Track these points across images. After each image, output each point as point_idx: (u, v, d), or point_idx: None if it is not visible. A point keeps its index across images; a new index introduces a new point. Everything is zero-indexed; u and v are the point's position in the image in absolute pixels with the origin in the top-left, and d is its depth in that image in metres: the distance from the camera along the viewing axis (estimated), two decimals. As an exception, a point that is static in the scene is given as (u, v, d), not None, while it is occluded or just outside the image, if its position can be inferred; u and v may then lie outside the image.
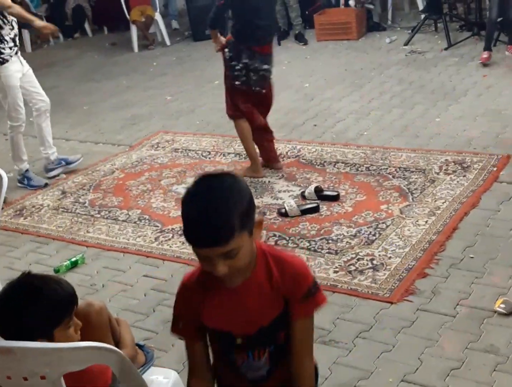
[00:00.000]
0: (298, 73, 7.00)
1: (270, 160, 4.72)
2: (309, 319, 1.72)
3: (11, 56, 4.64)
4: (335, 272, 3.35)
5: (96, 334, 2.14)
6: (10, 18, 4.63)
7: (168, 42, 9.20)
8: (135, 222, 4.16)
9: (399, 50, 7.29)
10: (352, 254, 3.49)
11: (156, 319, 3.14)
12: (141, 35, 9.21)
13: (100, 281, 3.51)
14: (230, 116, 4.63)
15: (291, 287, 1.67)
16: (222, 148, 5.23)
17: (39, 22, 4.84)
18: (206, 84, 7.08)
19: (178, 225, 4.02)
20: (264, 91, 4.47)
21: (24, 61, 4.83)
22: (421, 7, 8.03)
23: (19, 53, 4.77)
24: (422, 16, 7.62)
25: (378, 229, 3.70)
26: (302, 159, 4.80)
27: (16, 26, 4.72)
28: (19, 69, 4.73)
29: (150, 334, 3.00)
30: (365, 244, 3.57)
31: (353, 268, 3.37)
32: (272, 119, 5.68)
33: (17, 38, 4.73)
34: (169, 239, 3.89)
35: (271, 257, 1.70)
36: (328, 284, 3.25)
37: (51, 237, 4.09)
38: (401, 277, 3.25)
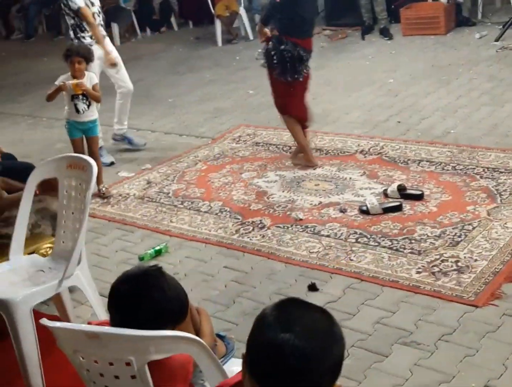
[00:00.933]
0: (383, 68, 6.88)
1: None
2: None
3: (91, 44, 5.07)
4: (418, 272, 3.28)
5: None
6: (92, 10, 5.15)
7: (251, 37, 9.25)
8: (216, 214, 4.21)
9: (489, 46, 7.05)
10: (436, 255, 3.41)
11: (236, 310, 3.17)
12: (225, 29, 9.30)
13: (182, 270, 3.58)
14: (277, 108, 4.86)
15: None
16: (303, 143, 5.21)
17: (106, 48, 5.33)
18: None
19: (259, 218, 4.05)
20: (301, 79, 4.58)
21: (109, 48, 5.39)
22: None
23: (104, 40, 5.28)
24: (515, 11, 7.34)
25: (464, 231, 3.60)
26: (385, 156, 4.72)
27: (98, 18, 5.21)
28: (100, 56, 5.20)
29: (230, 325, 3.04)
30: (450, 245, 3.48)
31: (437, 269, 3.29)
32: (354, 115, 5.64)
33: (101, 28, 5.25)
34: (250, 232, 3.92)
35: None
36: (411, 285, 3.19)
37: (136, 225, 4.21)
38: (487, 280, 3.15)
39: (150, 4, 10.62)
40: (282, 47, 4.45)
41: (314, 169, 4.67)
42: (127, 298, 1.90)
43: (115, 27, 10.09)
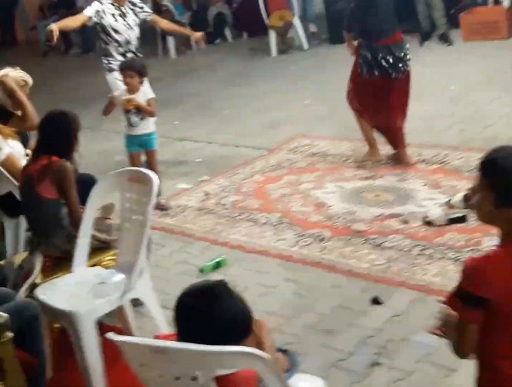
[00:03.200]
0: (443, 75, 6.74)
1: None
2: None
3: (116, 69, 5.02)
4: (486, 285, 3.16)
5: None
6: (116, 36, 5.11)
7: (305, 46, 9.23)
8: (275, 225, 4.18)
9: (554, 50, 6.82)
10: (505, 267, 3.28)
11: (297, 324, 3.12)
12: (279, 39, 9.30)
13: (242, 282, 3.54)
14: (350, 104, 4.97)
15: None
16: (361, 153, 5.13)
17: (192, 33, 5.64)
18: (344, 88, 6.98)
19: (318, 230, 3.99)
20: (393, 76, 4.63)
21: None
22: None
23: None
24: None
25: (534, 242, 3.45)
26: (448, 165, 4.60)
27: (126, 46, 5.15)
28: None
29: (292, 338, 2.99)
30: (519, 257, 3.34)
31: (506, 282, 3.16)
32: (415, 123, 5.52)
33: (128, 56, 5.13)
34: (309, 244, 3.86)
35: None
36: (479, 298, 3.07)
37: (195, 237, 4.21)
38: (560, 294, 3.00)
39: (204, 17, 10.74)
40: (373, 55, 4.56)
41: (373, 179, 4.57)
42: (192, 311, 1.88)
43: (170, 41, 10.24)
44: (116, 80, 5.06)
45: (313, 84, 7.49)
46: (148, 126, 4.63)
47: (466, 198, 3.94)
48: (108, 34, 5.13)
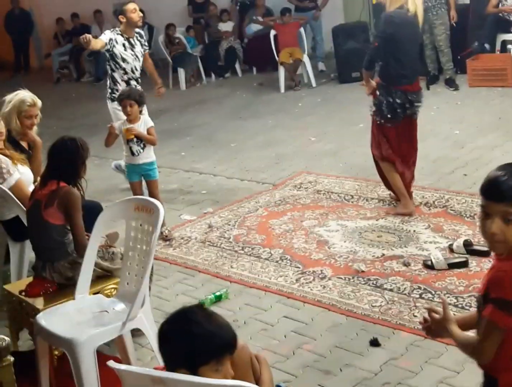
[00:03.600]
0: (448, 119, 6.81)
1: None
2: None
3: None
4: (484, 332, 3.17)
5: (238, 371, 2.18)
6: (123, 64, 5.42)
7: (314, 84, 9.35)
8: (277, 261, 4.20)
9: (559, 99, 6.90)
10: (503, 314, 3.29)
11: (295, 362, 3.13)
12: (288, 76, 9.43)
13: (242, 317, 3.57)
14: (375, 156, 4.82)
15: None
16: (365, 193, 5.19)
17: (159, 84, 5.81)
18: (350, 127, 7.10)
19: (319, 268, 4.02)
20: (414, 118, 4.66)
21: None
22: None
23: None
24: None
25: (533, 290, 3.47)
26: (451, 210, 4.64)
27: (131, 73, 5.46)
28: None
29: (289, 377, 3.00)
30: (518, 305, 3.36)
31: (504, 329, 3.17)
32: (419, 166, 5.56)
33: (132, 83, 5.46)
34: (310, 282, 3.89)
35: None
36: (477, 345, 3.08)
37: (197, 269, 4.24)
38: (558, 345, 3.01)
39: (216, 51, 10.89)
40: (391, 100, 4.48)
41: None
42: (168, 336, 1.97)
43: (181, 72, 10.38)
44: (116, 109, 5.27)
45: (320, 121, 7.58)
46: (149, 155, 4.69)
47: (467, 243, 3.98)
48: (116, 62, 5.47)
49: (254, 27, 10.85)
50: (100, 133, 7.72)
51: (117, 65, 5.47)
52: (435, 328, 2.08)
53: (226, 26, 11.05)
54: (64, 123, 8.62)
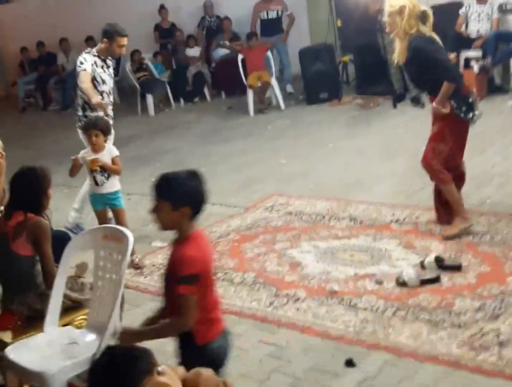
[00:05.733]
0: (415, 136, 6.87)
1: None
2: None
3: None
4: (458, 347, 3.18)
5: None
6: (101, 88, 5.15)
7: (282, 106, 9.41)
8: (250, 285, 4.17)
9: (522, 114, 7.04)
10: (476, 328, 3.31)
11: (271, 386, 3.09)
12: (257, 99, 9.48)
13: (216, 344, 3.52)
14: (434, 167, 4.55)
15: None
16: (336, 212, 5.20)
17: (94, 100, 5.05)
18: (320, 148, 7.15)
19: (293, 290, 4.00)
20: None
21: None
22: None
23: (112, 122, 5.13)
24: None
25: (505, 303, 3.50)
26: (421, 226, 4.67)
27: (107, 98, 5.20)
28: None
29: (264, 402, 2.96)
30: (490, 318, 3.38)
31: (477, 343, 3.19)
32: (388, 183, 5.63)
33: (109, 108, 5.18)
34: (284, 304, 3.86)
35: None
36: (451, 360, 3.09)
37: (169, 297, 4.18)
38: (531, 355, 3.03)
39: (184, 76, 10.92)
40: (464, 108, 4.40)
41: (348, 239, 4.62)
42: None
43: (149, 98, 10.37)
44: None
45: (289, 143, 7.62)
46: (114, 185, 4.65)
47: (438, 259, 4.00)
48: (95, 86, 5.16)
49: (221, 52, 10.92)
50: (68, 162, 7.66)
51: (96, 89, 5.17)
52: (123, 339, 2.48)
53: (193, 52, 11.10)
54: (31, 152, 8.53)
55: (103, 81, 5.23)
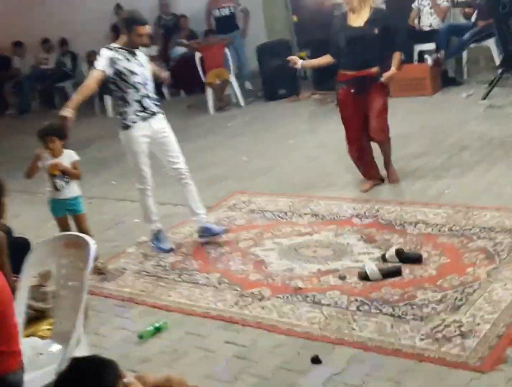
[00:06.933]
0: (373, 130, 6.97)
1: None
2: None
3: (134, 121, 4.66)
4: (421, 339, 3.24)
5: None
6: (133, 80, 4.60)
7: (242, 103, 9.41)
8: (214, 286, 4.18)
9: (476, 105, 7.17)
10: (438, 320, 3.37)
11: (238, 387, 3.12)
12: (217, 97, 9.46)
13: (182, 347, 3.52)
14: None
15: None
16: (298, 209, 5.23)
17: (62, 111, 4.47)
18: (280, 143, 7.18)
19: (258, 289, 4.02)
20: None
21: (159, 126, 4.83)
22: (497, 62, 7.91)
23: (153, 117, 4.75)
24: (499, 70, 7.50)
25: (465, 293, 3.57)
26: (381, 219, 4.73)
27: (143, 89, 4.66)
28: (146, 134, 4.73)
29: (233, 403, 2.98)
30: (452, 309, 3.45)
31: (440, 335, 3.25)
32: (348, 178, 5.68)
33: (146, 100, 4.68)
34: (249, 304, 3.88)
35: None
36: (415, 353, 3.15)
37: (134, 301, 4.16)
38: (491, 344, 3.11)
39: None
40: None
41: (310, 235, 4.66)
42: None
43: (107, 99, 10.26)
44: (132, 136, 4.70)
45: (250, 140, 7.63)
46: (73, 190, 4.59)
47: (399, 252, 4.07)
48: (125, 80, 4.61)
49: (179, 50, 10.85)
50: (25, 168, 7.55)
51: (126, 84, 4.60)
52: None
53: (151, 51, 11.00)
54: (-12, 159, 8.37)
55: (132, 72, 4.63)
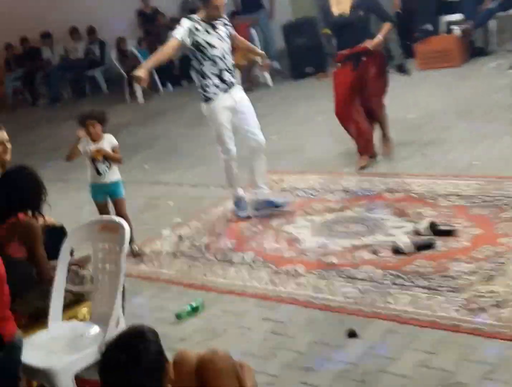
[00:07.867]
0: (402, 104, 6.90)
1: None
2: None
3: (215, 94, 4.71)
4: (456, 310, 3.25)
5: (223, 381, 2.21)
6: (211, 53, 4.65)
7: (270, 83, 9.39)
8: (249, 264, 4.22)
9: (504, 74, 7.04)
10: (473, 291, 3.37)
11: (276, 362, 3.16)
12: (244, 77, 9.45)
13: (220, 325, 3.58)
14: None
15: None
16: (329, 186, 5.24)
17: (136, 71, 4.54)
18: (309, 122, 7.16)
19: (292, 266, 4.06)
20: None
21: (240, 96, 4.86)
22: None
23: (232, 88, 4.78)
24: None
25: (499, 264, 3.55)
26: (413, 193, 4.71)
27: (221, 62, 4.69)
28: (228, 105, 4.78)
29: (271, 379, 3.02)
30: (486, 280, 3.44)
31: (475, 306, 3.25)
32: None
33: (225, 73, 4.72)
34: (284, 281, 3.92)
35: None
36: (450, 324, 3.15)
37: (171, 282, 4.24)
38: (526, 313, 3.10)
39: (170, 60, 10.85)
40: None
41: (342, 211, 4.67)
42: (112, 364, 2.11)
43: (137, 86, 10.32)
44: (216, 109, 4.75)
45: (279, 120, 7.63)
46: (115, 174, 4.64)
47: (432, 225, 4.05)
48: (203, 52, 4.66)
49: (205, 33, 10.85)
50: (57, 157, 7.66)
51: (204, 56, 4.64)
52: None
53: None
54: (20, 149, 8.48)
55: (211, 45, 4.65)
